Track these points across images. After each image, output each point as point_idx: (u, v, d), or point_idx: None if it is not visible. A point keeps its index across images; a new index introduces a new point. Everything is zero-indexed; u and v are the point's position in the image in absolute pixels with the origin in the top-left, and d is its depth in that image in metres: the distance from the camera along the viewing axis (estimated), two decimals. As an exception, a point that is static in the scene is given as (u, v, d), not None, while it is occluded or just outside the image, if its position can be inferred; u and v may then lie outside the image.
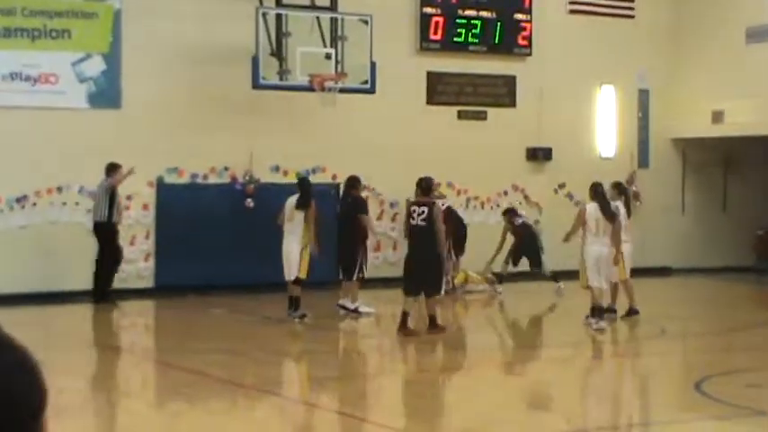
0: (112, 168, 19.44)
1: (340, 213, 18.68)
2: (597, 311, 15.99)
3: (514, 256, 21.56)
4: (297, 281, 17.07)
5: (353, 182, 18.26)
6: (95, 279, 19.27)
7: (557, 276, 21.10)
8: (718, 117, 24.44)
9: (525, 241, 21.52)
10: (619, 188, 18.00)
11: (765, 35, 23.35)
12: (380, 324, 17.77)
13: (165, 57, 20.32)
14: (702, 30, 24.68)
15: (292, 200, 17.35)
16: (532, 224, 22.23)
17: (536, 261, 21.59)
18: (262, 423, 10.67)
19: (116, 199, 19.39)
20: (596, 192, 16.85)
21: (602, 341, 16.01)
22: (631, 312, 17.04)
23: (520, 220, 21.61)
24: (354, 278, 17.45)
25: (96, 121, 19.97)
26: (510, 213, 21.73)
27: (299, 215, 17.09)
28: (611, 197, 17.27)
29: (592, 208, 16.48)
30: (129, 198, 20.36)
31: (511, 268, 21.55)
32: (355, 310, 17.43)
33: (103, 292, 19.21)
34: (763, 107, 23.27)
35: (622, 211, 17.35)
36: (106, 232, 19.30)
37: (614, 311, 17.19)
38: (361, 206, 17.83)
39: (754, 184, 24.85)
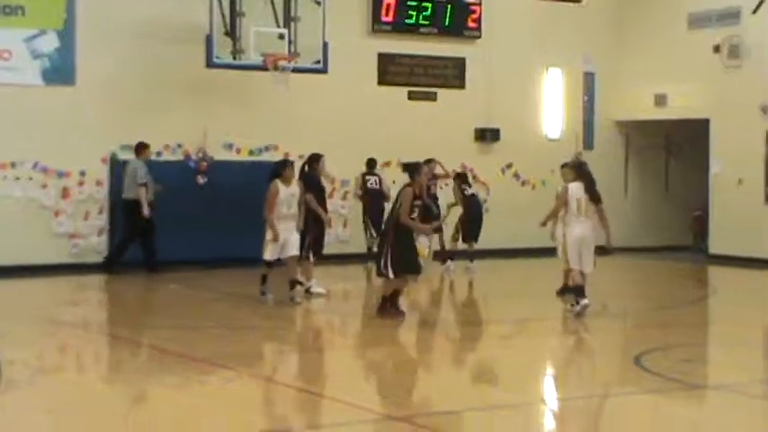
0: (141, 147, 19.88)
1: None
2: (576, 291, 15.25)
3: (463, 231, 21.16)
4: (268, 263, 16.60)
5: (309, 160, 17.76)
6: (119, 249, 19.94)
7: (453, 256, 20.98)
8: (660, 100, 24.81)
9: (473, 213, 21.14)
10: (576, 168, 16.56)
11: (706, 21, 23.67)
12: (332, 301, 17.64)
13: (119, 34, 20.20)
14: (646, 15, 24.90)
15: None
16: (479, 197, 21.97)
17: (475, 235, 21.15)
18: (212, 396, 10.42)
19: (141, 181, 19.71)
20: (581, 171, 15.90)
21: (545, 318, 15.88)
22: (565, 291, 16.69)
23: (470, 191, 21.36)
24: (305, 257, 17.19)
25: (50, 98, 19.87)
26: (461, 178, 21.40)
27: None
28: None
29: (575, 187, 15.41)
30: (82, 174, 20.29)
31: (460, 244, 21.21)
32: (307, 290, 17.19)
33: (113, 261, 19.93)
34: (704, 91, 23.65)
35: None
36: (134, 209, 19.63)
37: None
38: (307, 185, 17.34)
39: (693, 165, 25.03)
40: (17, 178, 19.79)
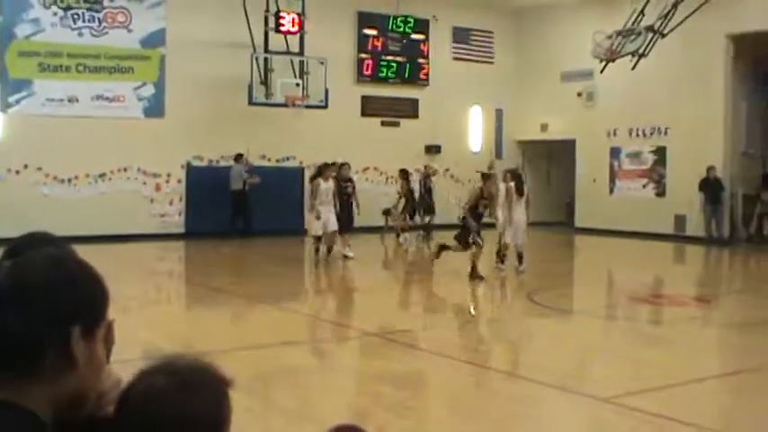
0: (240, 156, 20.22)
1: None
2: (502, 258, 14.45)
3: (411, 211, 20.23)
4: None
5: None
6: (238, 222, 20.10)
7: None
8: (544, 127, 24.81)
9: (420, 196, 20.39)
10: (512, 173, 15.31)
11: (572, 76, 23.60)
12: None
13: (193, 83, 20.11)
14: (535, 73, 24.79)
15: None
16: (423, 182, 20.74)
17: (430, 210, 20.48)
18: (254, 322, 10.31)
19: (245, 177, 20.03)
20: (514, 175, 15.00)
21: (461, 270, 14.60)
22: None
23: (413, 179, 20.52)
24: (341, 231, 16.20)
25: (148, 126, 19.85)
26: (403, 173, 20.50)
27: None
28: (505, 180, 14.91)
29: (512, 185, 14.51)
30: (168, 175, 20.23)
31: (409, 221, 20.35)
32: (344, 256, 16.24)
33: (245, 229, 19.98)
34: (571, 121, 23.67)
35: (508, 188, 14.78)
36: (240, 196, 19.98)
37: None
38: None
39: (565, 169, 24.82)
40: (127, 178, 19.84)
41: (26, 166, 18.81)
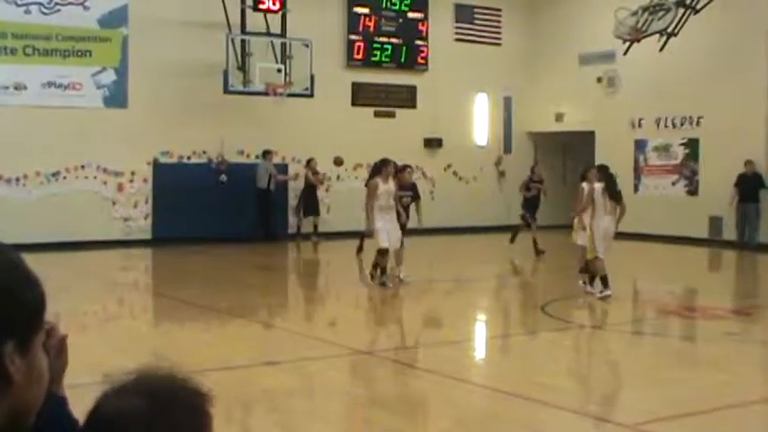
0: (267, 153, 20.84)
1: None
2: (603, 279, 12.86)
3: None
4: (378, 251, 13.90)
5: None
6: (262, 224, 20.88)
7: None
8: (559, 117, 24.91)
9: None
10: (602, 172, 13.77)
11: (591, 60, 23.71)
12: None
13: (160, 70, 20.12)
14: (548, 55, 24.89)
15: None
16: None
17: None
18: (231, 338, 10.40)
19: (272, 174, 20.77)
20: (604, 174, 13.48)
21: (471, 279, 15.47)
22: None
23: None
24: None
25: (109, 117, 19.80)
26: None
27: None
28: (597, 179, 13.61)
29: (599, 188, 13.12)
30: (133, 174, 20.22)
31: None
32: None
33: (267, 233, 20.79)
34: (589, 110, 23.76)
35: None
36: (265, 195, 20.72)
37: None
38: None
39: (583, 164, 24.60)
40: (85, 177, 19.76)
41: (-33, 165, 18.80)
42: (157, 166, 20.59)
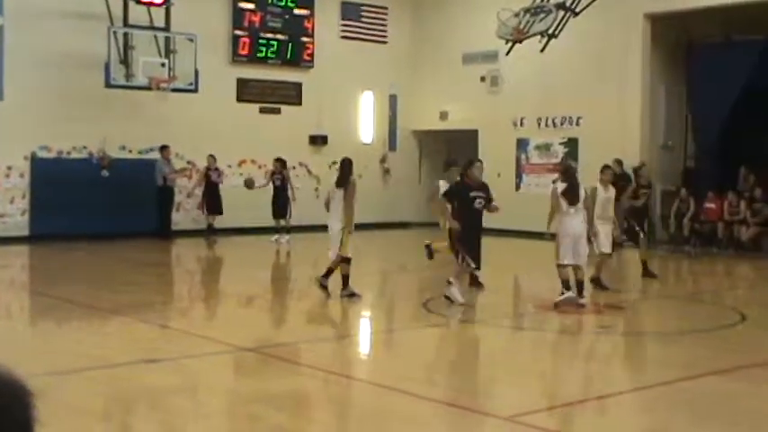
0: (164, 148, 21.00)
1: None
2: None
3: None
4: (343, 259, 12.57)
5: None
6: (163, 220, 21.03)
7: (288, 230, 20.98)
8: (443, 115, 25.12)
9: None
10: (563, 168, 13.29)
11: (475, 59, 24.01)
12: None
13: (38, 61, 19.68)
14: (433, 54, 25.14)
15: (332, 180, 13.45)
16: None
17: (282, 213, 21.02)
18: (111, 337, 10.19)
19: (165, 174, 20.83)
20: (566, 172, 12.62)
21: (353, 275, 15.24)
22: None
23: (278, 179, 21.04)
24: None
25: None
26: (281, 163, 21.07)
27: (339, 193, 12.89)
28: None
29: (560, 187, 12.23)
30: (9, 168, 19.76)
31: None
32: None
33: (164, 230, 20.87)
34: (473, 109, 24.06)
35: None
36: (162, 192, 20.85)
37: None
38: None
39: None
40: None
41: None
42: (35, 161, 20.14)
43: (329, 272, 12.69)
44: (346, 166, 13.13)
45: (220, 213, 21.59)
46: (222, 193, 21.62)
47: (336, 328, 11.51)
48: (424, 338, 10.56)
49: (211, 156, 21.44)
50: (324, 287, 12.66)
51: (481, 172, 12.23)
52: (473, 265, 11.94)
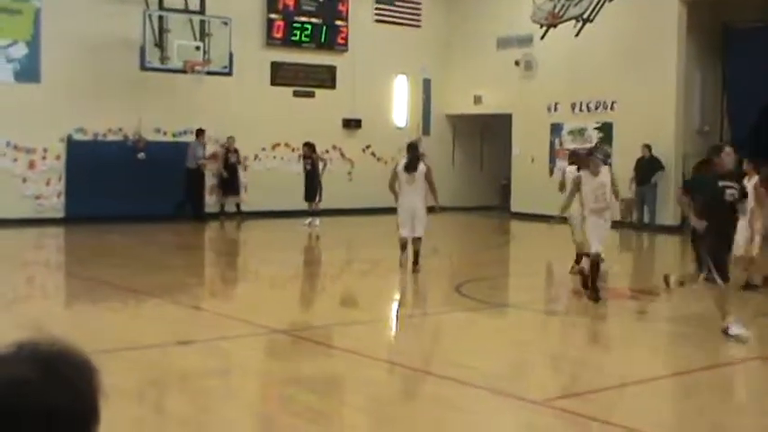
0: (201, 132, 20.91)
1: None
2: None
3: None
4: (419, 238, 13.40)
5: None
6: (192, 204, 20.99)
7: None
8: (477, 100, 25.05)
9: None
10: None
11: (509, 43, 23.91)
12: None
13: (75, 44, 19.80)
14: (467, 38, 25.03)
15: (401, 164, 13.48)
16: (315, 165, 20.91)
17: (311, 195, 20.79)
18: (146, 318, 10.26)
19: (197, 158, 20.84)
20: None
21: (384, 259, 14.78)
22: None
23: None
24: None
25: (20, 93, 19.39)
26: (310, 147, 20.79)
27: (420, 176, 13.20)
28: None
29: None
30: (45, 151, 19.88)
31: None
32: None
33: (196, 213, 20.88)
34: (508, 93, 23.92)
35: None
36: (194, 175, 20.77)
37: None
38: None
39: (500, 147, 25.29)
40: None
41: None
42: (71, 144, 20.24)
43: (579, 258, 12.39)
44: (415, 149, 13.33)
45: (237, 194, 21.69)
46: (241, 175, 21.84)
47: (370, 312, 11.44)
48: (455, 322, 10.49)
49: (231, 137, 21.57)
50: (583, 274, 11.56)
51: (732, 159, 9.42)
52: (719, 281, 9.07)
